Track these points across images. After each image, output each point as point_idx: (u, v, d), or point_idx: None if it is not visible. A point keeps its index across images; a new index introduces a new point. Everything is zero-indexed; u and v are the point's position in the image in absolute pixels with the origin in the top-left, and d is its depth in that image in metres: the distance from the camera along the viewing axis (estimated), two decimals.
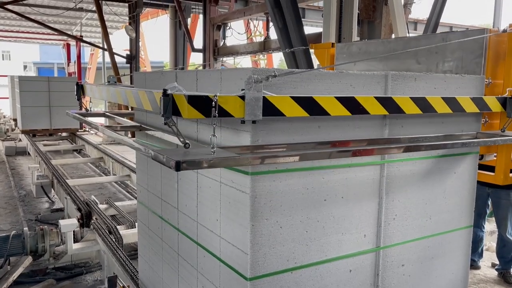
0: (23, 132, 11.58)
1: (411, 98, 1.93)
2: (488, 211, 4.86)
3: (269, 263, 1.86)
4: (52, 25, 15.20)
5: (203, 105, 1.43)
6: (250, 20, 14.17)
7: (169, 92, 1.44)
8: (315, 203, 1.94)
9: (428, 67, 2.84)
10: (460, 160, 2.41)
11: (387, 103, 1.86)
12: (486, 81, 2.62)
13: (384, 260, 2.21)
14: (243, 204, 1.80)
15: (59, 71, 35.49)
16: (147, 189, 2.82)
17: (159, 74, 2.50)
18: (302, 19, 13.30)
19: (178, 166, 1.34)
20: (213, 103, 1.41)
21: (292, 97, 1.61)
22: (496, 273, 4.66)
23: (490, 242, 5.49)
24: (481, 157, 2.93)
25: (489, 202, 4.75)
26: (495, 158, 2.80)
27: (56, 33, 14.84)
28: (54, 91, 11.86)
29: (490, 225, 5.53)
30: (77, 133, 12.44)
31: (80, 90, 2.82)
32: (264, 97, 1.52)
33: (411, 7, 7.37)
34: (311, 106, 1.66)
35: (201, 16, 13.10)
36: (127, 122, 2.78)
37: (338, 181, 1.99)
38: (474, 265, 4.78)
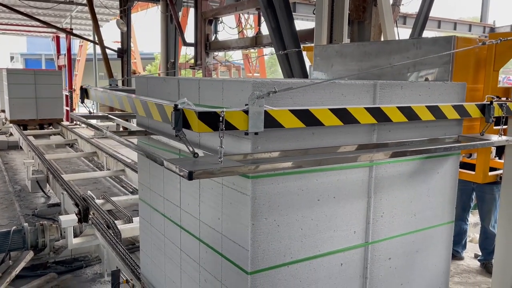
0: (11, 122, 11.89)
1: (397, 107, 2.10)
2: (472, 205, 5.10)
3: (267, 258, 2.03)
4: (41, 18, 15.10)
5: (211, 119, 1.58)
6: (241, 14, 14.23)
7: (179, 107, 1.59)
8: (309, 203, 2.11)
9: (400, 71, 2.99)
10: (443, 161, 2.59)
11: (376, 112, 2.03)
12: None
13: (372, 254, 2.39)
14: (244, 205, 1.97)
15: (47, 62, 35.01)
16: (149, 187, 2.97)
17: (162, 80, 2.63)
18: (294, 13, 13.42)
19: (190, 176, 1.50)
20: (221, 118, 1.57)
21: (290, 110, 1.77)
22: (478, 263, 4.90)
23: (474, 233, 5.75)
24: (470, 155, 3.13)
25: (473, 196, 4.99)
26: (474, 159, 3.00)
27: (45, 25, 14.76)
28: (40, 83, 12.61)
29: (474, 217, 5.79)
30: (69, 126, 12.49)
31: (84, 93, 2.94)
32: (265, 110, 1.68)
33: (400, 5, 7.55)
34: (307, 117, 1.82)
35: (192, 9, 13.13)
36: (129, 124, 2.91)
37: (331, 183, 2.16)
38: (458, 256, 5.02)
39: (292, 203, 2.06)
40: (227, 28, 12.63)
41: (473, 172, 3.03)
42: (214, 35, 12.26)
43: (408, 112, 2.15)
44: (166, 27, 13.54)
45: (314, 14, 5.53)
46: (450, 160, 2.63)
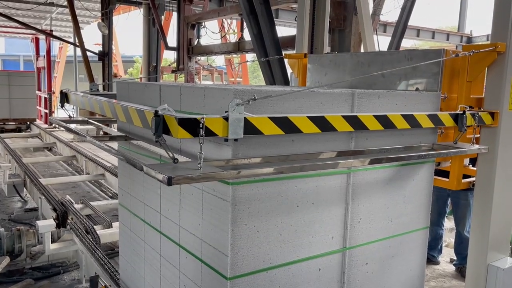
0: None
1: (374, 115, 2.16)
2: (447, 210, 5.22)
3: (247, 264, 2.06)
4: (20, 19, 14.84)
5: (191, 126, 1.60)
6: (224, 19, 14.27)
7: (160, 113, 1.61)
8: (288, 209, 2.15)
9: (392, 81, 3.08)
10: (418, 168, 2.67)
11: (353, 120, 2.09)
12: (443, 96, 2.89)
13: (350, 259, 2.44)
14: (224, 210, 1.99)
15: (26, 63, 34.37)
16: (129, 193, 2.96)
17: (143, 86, 2.64)
18: (276, 20, 13.50)
19: (170, 181, 1.51)
20: (201, 124, 1.59)
21: (270, 118, 1.80)
22: (454, 268, 5.01)
23: (449, 238, 5.88)
24: (438, 163, 3.22)
25: (449, 202, 5.11)
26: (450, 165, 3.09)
27: (24, 27, 14.52)
28: (14, 84, 13.09)
29: (449, 223, 5.92)
30: (47, 129, 12.30)
31: (64, 98, 2.92)
32: (245, 118, 1.71)
33: (380, 14, 7.72)
34: (286, 125, 1.86)
35: (174, 13, 13.10)
36: (109, 129, 2.91)
37: (309, 189, 2.20)
38: (434, 261, 5.13)
39: (272, 209, 2.10)
40: (209, 33, 12.66)
41: (447, 179, 3.11)
42: (197, 39, 12.27)
43: (384, 121, 2.21)
44: (148, 31, 13.49)
45: (296, 21, 5.62)
46: (425, 167, 2.70)
